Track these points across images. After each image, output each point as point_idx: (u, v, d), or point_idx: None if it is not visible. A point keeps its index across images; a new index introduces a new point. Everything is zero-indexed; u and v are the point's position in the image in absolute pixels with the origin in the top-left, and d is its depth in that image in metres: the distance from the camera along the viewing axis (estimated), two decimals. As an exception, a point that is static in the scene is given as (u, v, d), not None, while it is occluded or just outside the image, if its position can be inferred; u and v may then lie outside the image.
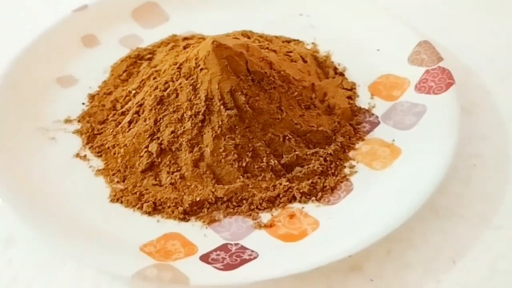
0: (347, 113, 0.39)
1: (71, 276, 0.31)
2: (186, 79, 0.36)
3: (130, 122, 0.37)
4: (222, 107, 0.35)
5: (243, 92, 0.35)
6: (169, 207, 0.33)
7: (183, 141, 0.35)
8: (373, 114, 0.39)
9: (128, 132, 0.37)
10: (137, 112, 0.37)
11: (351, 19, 0.46)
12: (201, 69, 0.35)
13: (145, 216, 0.33)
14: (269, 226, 0.32)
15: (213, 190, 0.34)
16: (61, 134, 0.38)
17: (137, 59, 0.43)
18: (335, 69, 0.42)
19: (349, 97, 0.40)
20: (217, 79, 0.35)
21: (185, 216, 0.33)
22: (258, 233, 0.32)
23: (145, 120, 0.36)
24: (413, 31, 0.43)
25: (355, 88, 0.41)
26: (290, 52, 0.42)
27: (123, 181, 0.35)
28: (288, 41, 0.45)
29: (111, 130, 0.37)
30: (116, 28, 0.46)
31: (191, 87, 0.35)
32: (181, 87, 0.36)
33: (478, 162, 0.37)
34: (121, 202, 0.34)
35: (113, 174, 0.35)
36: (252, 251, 0.31)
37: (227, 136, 0.35)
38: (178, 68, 0.37)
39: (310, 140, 0.36)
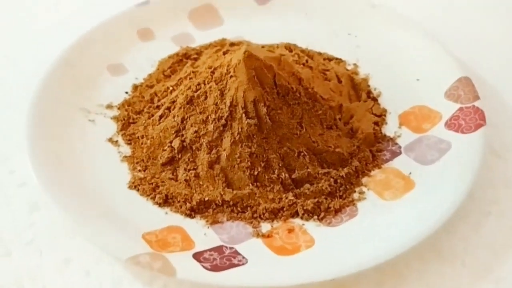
0: (370, 139, 0.39)
1: (79, 248, 0.33)
2: (216, 84, 0.38)
3: (161, 116, 0.39)
4: (244, 115, 0.36)
5: (266, 103, 0.36)
6: (178, 201, 0.35)
7: (203, 141, 0.37)
8: (396, 144, 0.39)
9: (157, 125, 0.39)
10: (168, 108, 0.39)
11: (397, 44, 0.46)
12: (231, 76, 0.37)
13: (156, 207, 0.35)
14: (266, 236, 0.34)
15: (222, 192, 0.35)
16: (101, 118, 0.41)
17: (184, 58, 0.46)
18: (369, 92, 0.42)
19: (376, 123, 0.40)
20: (243, 87, 0.36)
21: (192, 212, 0.35)
22: (254, 241, 0.33)
23: (174, 117, 0.38)
24: (457, 64, 0.42)
25: (385, 115, 0.41)
26: (327, 70, 0.43)
27: (144, 171, 0.37)
28: (330, 59, 0.46)
29: (144, 121, 0.40)
30: (172, 25, 0.48)
31: (219, 91, 0.37)
32: (210, 90, 0.38)
33: (494, 209, 0.36)
34: (138, 190, 0.36)
35: (137, 163, 0.38)
36: (243, 257, 0.32)
37: (244, 143, 0.36)
38: (212, 72, 0.39)
39: (325, 160, 0.37)
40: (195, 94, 0.38)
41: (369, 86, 0.43)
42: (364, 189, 0.36)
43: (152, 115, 0.40)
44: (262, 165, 0.36)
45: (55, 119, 0.39)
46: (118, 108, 0.42)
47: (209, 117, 0.37)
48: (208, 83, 0.38)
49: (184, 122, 0.38)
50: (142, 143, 0.39)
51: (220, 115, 0.37)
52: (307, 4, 0.50)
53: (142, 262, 0.30)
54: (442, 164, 0.37)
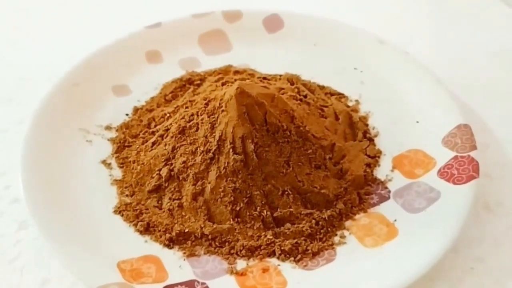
0: (359, 181, 0.38)
1: (58, 270, 0.34)
2: (208, 117, 0.38)
3: (153, 143, 0.40)
4: (231, 150, 0.36)
5: (254, 140, 0.37)
6: (159, 231, 0.36)
7: (191, 172, 0.37)
8: (386, 188, 0.39)
9: (149, 151, 0.40)
10: (162, 135, 0.40)
11: (401, 83, 0.45)
12: (222, 111, 0.37)
13: (137, 234, 0.36)
14: (240, 274, 0.34)
15: (202, 225, 0.36)
16: (98, 139, 0.42)
17: (187, 83, 0.46)
18: (365, 132, 0.42)
19: (368, 165, 0.40)
20: (233, 123, 0.37)
21: (170, 243, 0.35)
22: (227, 278, 0.33)
23: (165, 145, 0.39)
24: (459, 110, 0.41)
25: (379, 156, 0.41)
26: (326, 106, 0.43)
27: (131, 196, 0.38)
28: (332, 93, 0.46)
29: (137, 146, 0.41)
30: (180, 49, 0.49)
31: (210, 124, 0.38)
32: (202, 122, 0.38)
33: (478, 266, 0.35)
34: (122, 215, 0.37)
35: (125, 187, 0.39)
36: (212, 294, 0.32)
37: (229, 178, 0.36)
38: (206, 103, 0.39)
39: (309, 200, 0.37)
40: (188, 125, 0.39)
41: (367, 125, 0.43)
42: (346, 233, 0.36)
43: (147, 141, 0.41)
44: (245, 201, 0.36)
45: (53, 137, 0.41)
46: (117, 130, 0.43)
47: (198, 148, 0.38)
48: (201, 115, 0.39)
49: (175, 151, 0.38)
50: (133, 168, 0.39)
51: (209, 148, 0.37)
52: (317, 35, 0.50)
53: (110, 292, 0.31)
54: (428, 215, 0.36)
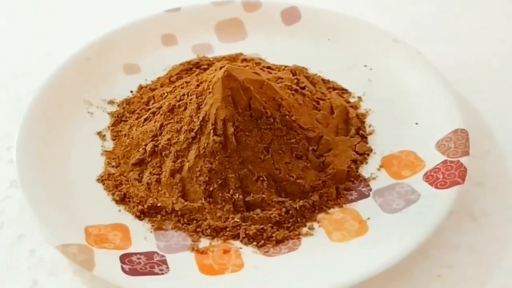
0: (340, 176, 0.38)
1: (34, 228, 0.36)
2: (196, 97, 0.39)
3: (145, 119, 0.41)
4: (212, 131, 0.37)
5: (235, 124, 0.37)
6: (134, 202, 0.37)
7: (173, 150, 0.38)
8: (368, 186, 0.37)
9: (140, 127, 0.41)
10: (153, 113, 0.41)
11: (408, 83, 0.44)
12: (209, 92, 0.38)
13: (113, 203, 0.37)
14: (200, 252, 0.34)
15: (174, 201, 0.36)
16: (99, 112, 0.44)
17: (194, 67, 0.47)
18: (359, 129, 0.41)
19: (355, 161, 0.39)
20: (217, 105, 0.37)
21: (141, 215, 0.36)
22: (186, 254, 0.34)
23: (155, 122, 0.40)
24: (460, 115, 0.40)
25: (368, 154, 0.40)
26: (322, 100, 0.42)
27: (116, 167, 0.39)
28: (335, 88, 0.45)
29: (132, 121, 0.42)
30: (196, 34, 0.50)
31: (196, 105, 0.38)
32: (190, 102, 0.39)
33: (445, 273, 0.33)
34: (103, 184, 0.38)
35: (113, 159, 0.40)
36: (167, 268, 0.33)
37: (206, 158, 0.37)
38: (197, 85, 0.40)
39: (284, 189, 0.37)
40: (177, 104, 0.40)
41: (363, 122, 0.42)
42: (315, 225, 0.35)
43: (141, 117, 0.42)
44: (219, 182, 0.36)
45: (57, 106, 0.42)
46: (118, 105, 0.44)
47: (183, 127, 0.38)
48: (191, 96, 0.39)
49: (162, 128, 0.39)
50: (123, 141, 0.41)
51: (192, 127, 0.38)
52: (332, 30, 0.49)
53: (68, 252, 0.32)
54: (403, 216, 0.35)
